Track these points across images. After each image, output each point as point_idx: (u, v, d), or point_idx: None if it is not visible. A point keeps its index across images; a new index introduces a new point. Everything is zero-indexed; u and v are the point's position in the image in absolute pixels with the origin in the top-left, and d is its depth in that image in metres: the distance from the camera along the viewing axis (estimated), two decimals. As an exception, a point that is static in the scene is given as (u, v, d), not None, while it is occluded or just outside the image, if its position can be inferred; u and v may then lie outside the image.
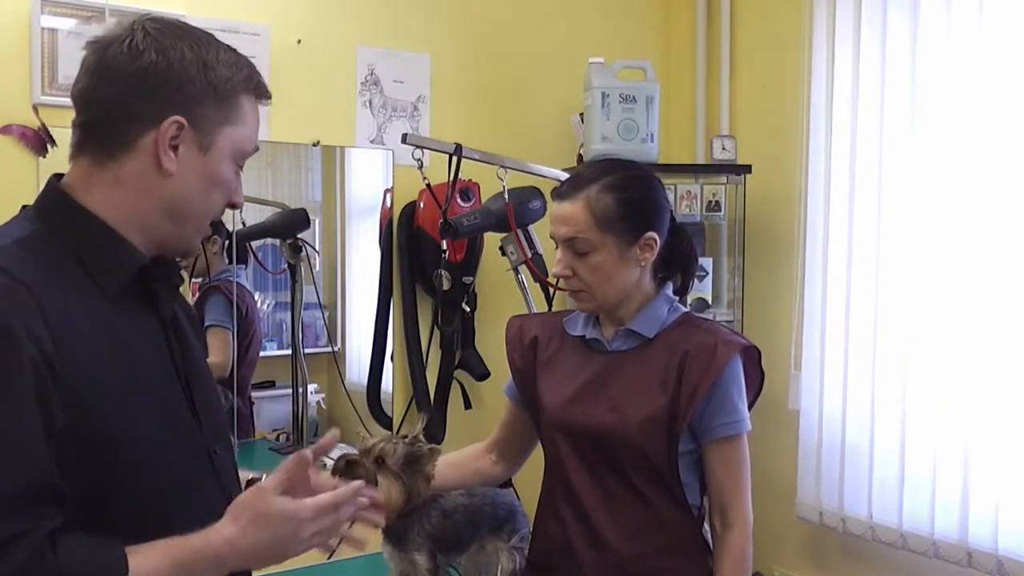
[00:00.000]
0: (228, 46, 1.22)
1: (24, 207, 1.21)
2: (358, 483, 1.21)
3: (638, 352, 1.71)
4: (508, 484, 2.21)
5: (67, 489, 1.04)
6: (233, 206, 1.25)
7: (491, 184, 2.64)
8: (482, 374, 2.87)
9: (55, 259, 1.13)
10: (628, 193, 1.67)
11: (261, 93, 1.24)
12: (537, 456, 1.89)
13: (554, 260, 1.72)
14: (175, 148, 1.16)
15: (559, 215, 1.69)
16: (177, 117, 1.15)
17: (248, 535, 1.10)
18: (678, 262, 1.78)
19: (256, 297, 2.87)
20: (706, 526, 1.74)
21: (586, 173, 1.70)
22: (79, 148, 1.18)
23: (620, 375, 1.70)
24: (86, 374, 1.07)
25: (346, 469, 1.62)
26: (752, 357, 1.72)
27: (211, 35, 1.21)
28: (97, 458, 1.07)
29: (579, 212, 1.65)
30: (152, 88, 1.15)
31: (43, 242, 1.14)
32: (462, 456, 1.94)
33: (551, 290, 2.70)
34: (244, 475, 1.40)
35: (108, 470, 1.09)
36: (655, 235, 1.69)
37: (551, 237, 1.73)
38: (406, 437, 1.69)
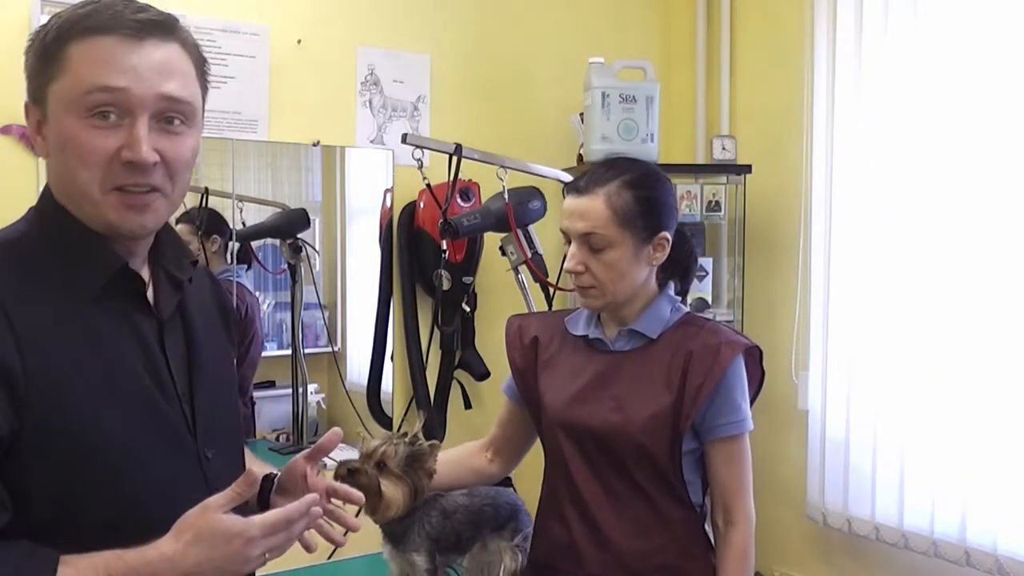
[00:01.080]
0: (70, 6, 1.13)
1: (31, 209, 1.20)
2: (312, 496, 1.14)
3: (642, 352, 1.71)
4: (508, 483, 2.21)
5: (32, 488, 1.04)
6: (131, 163, 1.09)
7: (491, 184, 2.64)
8: (482, 374, 2.87)
9: (37, 262, 1.12)
10: (646, 191, 1.68)
11: (88, 29, 1.09)
12: (537, 455, 1.89)
13: (567, 256, 1.70)
14: (43, 134, 1.14)
15: (576, 210, 1.68)
16: (27, 101, 1.14)
17: (190, 554, 1.06)
18: (680, 263, 1.78)
19: (257, 297, 2.87)
20: (707, 525, 1.75)
21: (604, 169, 1.70)
22: None
23: (624, 375, 1.70)
24: (55, 378, 1.06)
25: (348, 477, 1.62)
26: (754, 357, 1.73)
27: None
28: (65, 461, 1.06)
29: (599, 207, 1.65)
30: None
31: (30, 244, 1.13)
32: (458, 454, 1.94)
33: (551, 290, 2.70)
34: (261, 469, 1.37)
35: (78, 474, 1.08)
36: (668, 235, 1.70)
37: (562, 232, 1.72)
38: (405, 436, 1.70)
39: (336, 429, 1.26)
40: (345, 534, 1.32)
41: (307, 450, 1.34)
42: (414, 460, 1.66)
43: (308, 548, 1.24)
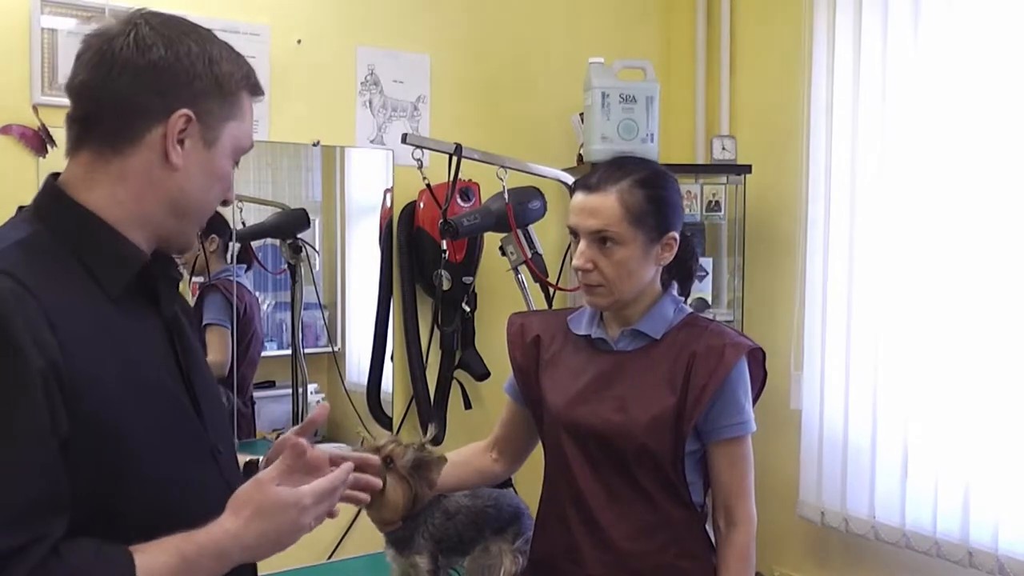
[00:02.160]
0: (226, 43, 1.22)
1: (20, 208, 1.19)
2: (348, 464, 1.23)
3: (645, 352, 1.71)
4: (508, 484, 2.21)
5: (75, 491, 1.04)
6: (226, 202, 1.26)
7: (491, 184, 2.64)
8: (482, 374, 2.87)
9: (56, 261, 1.11)
10: (657, 191, 1.68)
11: (256, 90, 1.25)
12: (537, 455, 1.89)
13: (576, 253, 1.69)
14: (181, 142, 1.15)
15: (587, 207, 1.67)
16: (186, 111, 1.14)
17: (251, 527, 1.11)
18: (684, 265, 1.79)
19: (257, 297, 2.87)
20: (708, 525, 1.75)
21: (615, 168, 1.70)
22: (79, 143, 1.16)
23: (627, 375, 1.70)
24: (90, 377, 1.06)
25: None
26: (757, 358, 1.73)
27: (210, 31, 1.21)
28: (102, 459, 1.07)
29: (612, 205, 1.65)
30: (162, 82, 1.14)
31: (44, 244, 1.12)
32: (462, 455, 1.93)
33: (551, 290, 2.70)
34: (242, 458, 1.41)
35: (113, 471, 1.08)
36: (676, 235, 1.70)
37: (571, 229, 1.71)
38: (413, 444, 1.70)
39: (324, 403, 1.29)
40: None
41: (296, 427, 1.38)
42: (420, 466, 1.65)
43: (331, 515, 1.26)
